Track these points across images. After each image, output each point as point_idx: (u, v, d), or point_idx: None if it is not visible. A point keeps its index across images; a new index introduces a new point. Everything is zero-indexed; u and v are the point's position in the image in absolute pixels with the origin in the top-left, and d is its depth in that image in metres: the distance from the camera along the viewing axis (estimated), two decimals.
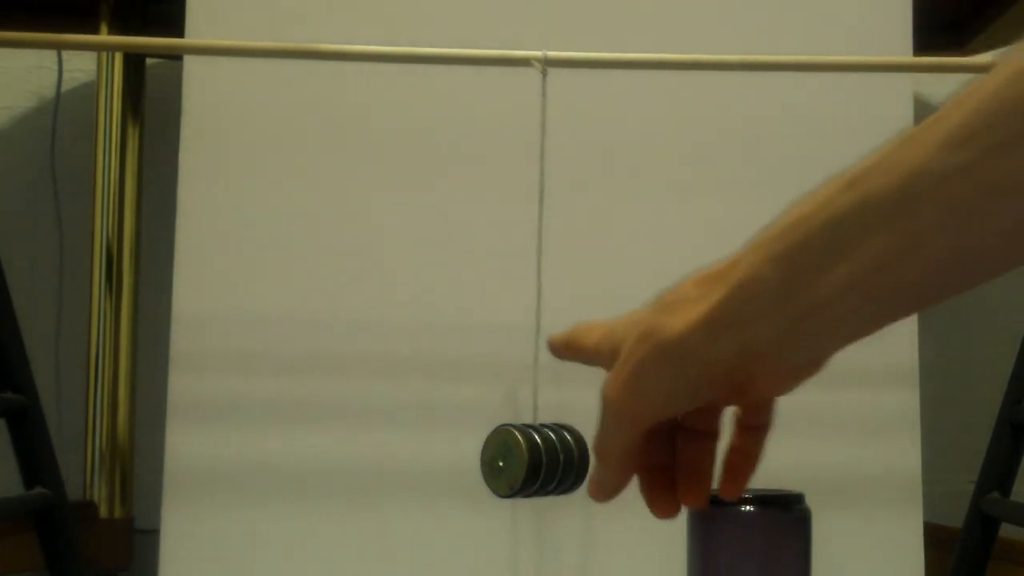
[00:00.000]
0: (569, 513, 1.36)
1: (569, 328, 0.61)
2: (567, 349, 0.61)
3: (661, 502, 0.56)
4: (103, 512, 1.71)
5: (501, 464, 1.03)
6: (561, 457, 1.06)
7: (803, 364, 0.50)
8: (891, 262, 0.43)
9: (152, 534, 1.40)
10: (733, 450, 0.56)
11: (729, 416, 0.56)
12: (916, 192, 0.42)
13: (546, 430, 1.07)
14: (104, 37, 1.77)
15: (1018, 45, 0.41)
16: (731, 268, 0.48)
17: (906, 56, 1.44)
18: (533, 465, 1.03)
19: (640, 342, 0.51)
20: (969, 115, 0.41)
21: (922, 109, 1.59)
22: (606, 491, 0.57)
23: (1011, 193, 0.40)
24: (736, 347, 0.48)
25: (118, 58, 1.77)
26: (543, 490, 1.06)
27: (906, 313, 0.46)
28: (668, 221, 1.43)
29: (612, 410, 0.53)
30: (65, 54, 1.93)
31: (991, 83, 0.40)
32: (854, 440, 1.42)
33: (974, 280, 0.43)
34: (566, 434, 1.08)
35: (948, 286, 0.44)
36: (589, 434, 1.13)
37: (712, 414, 0.56)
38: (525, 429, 1.05)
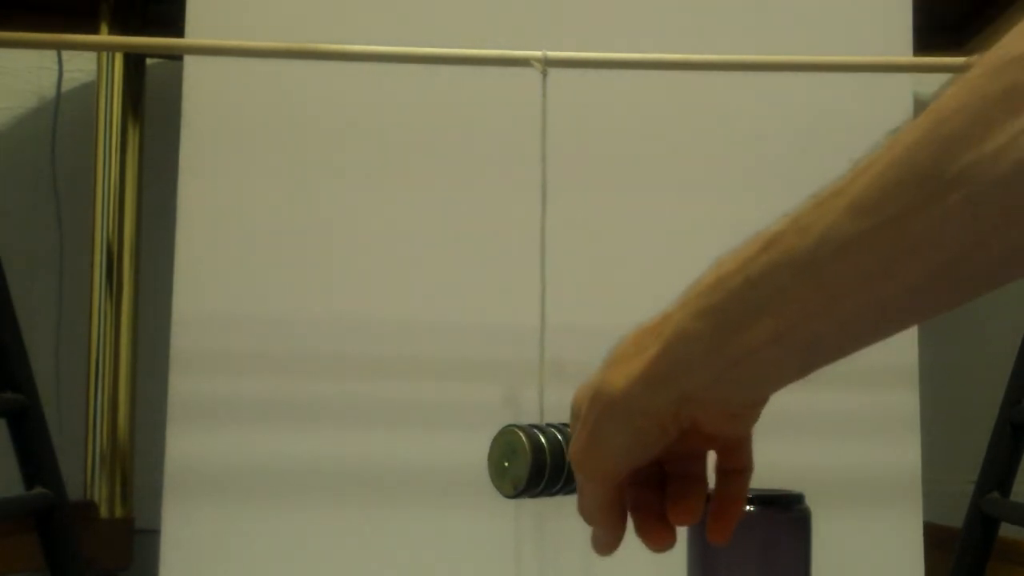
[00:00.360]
0: (571, 513, 1.35)
1: None
2: None
3: (655, 535, 0.58)
4: (103, 512, 1.71)
5: (506, 464, 1.03)
6: (567, 458, 1.06)
7: (742, 406, 0.53)
8: (807, 318, 0.46)
9: (152, 534, 1.40)
10: (717, 496, 0.59)
11: (711, 463, 0.58)
12: (824, 255, 0.44)
13: (552, 430, 1.07)
14: (104, 37, 1.77)
15: (912, 121, 0.43)
16: (664, 323, 0.51)
17: (906, 56, 1.44)
18: (537, 466, 1.03)
19: (592, 403, 0.54)
20: (871, 183, 0.43)
21: (922, 109, 1.59)
22: (603, 548, 0.59)
23: (910, 256, 0.43)
24: (674, 396, 0.51)
25: (118, 58, 1.77)
26: (548, 491, 1.06)
27: (831, 360, 0.48)
28: (669, 220, 1.43)
29: (581, 472, 0.56)
30: (65, 54, 1.93)
31: (891, 152, 0.43)
32: (854, 440, 1.42)
33: (895, 328, 0.46)
34: (571, 434, 1.08)
35: (867, 336, 0.47)
36: None
37: (692, 459, 0.58)
38: (530, 429, 1.05)
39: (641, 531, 0.58)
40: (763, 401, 0.53)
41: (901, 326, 0.46)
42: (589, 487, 0.57)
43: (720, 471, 0.59)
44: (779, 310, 0.46)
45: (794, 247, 0.46)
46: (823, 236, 0.44)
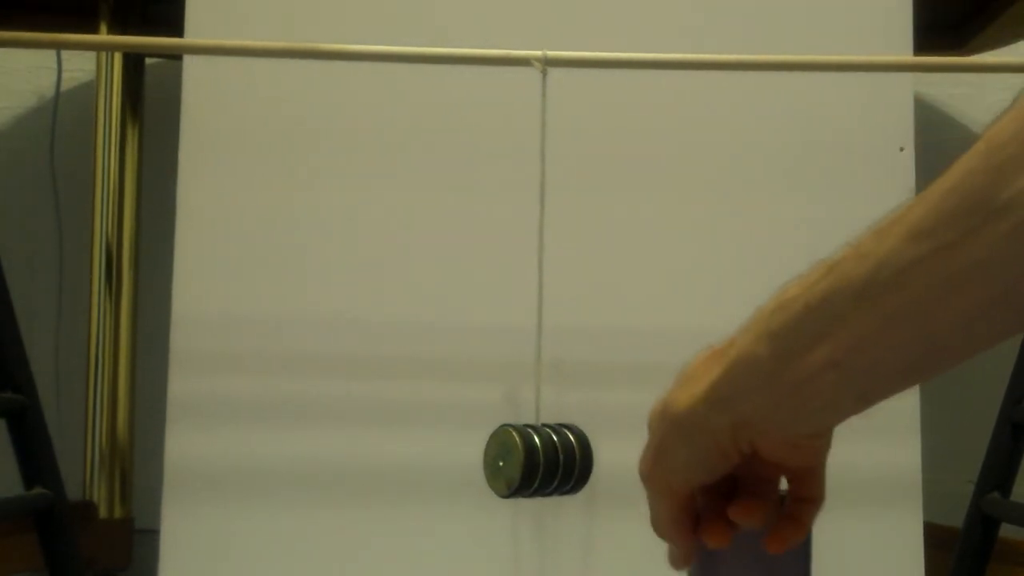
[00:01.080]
0: (570, 513, 1.36)
1: None
2: None
3: (710, 530, 0.59)
4: (103, 512, 1.71)
5: (501, 464, 1.03)
6: (560, 458, 1.06)
7: (802, 436, 0.53)
8: (865, 345, 0.47)
9: (152, 534, 1.40)
10: (784, 517, 0.60)
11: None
12: (881, 281, 0.45)
13: (546, 430, 1.07)
14: (104, 37, 1.77)
15: (969, 149, 0.44)
16: (729, 347, 0.53)
17: (906, 56, 1.44)
18: (530, 466, 1.03)
19: (659, 420, 0.56)
20: (928, 210, 0.44)
21: (922, 109, 1.59)
22: (677, 562, 0.61)
23: (965, 283, 0.43)
24: (734, 418, 0.52)
25: (118, 58, 1.77)
26: (543, 491, 1.06)
27: (889, 392, 0.49)
28: (668, 220, 1.43)
29: (648, 486, 0.58)
30: (65, 54, 1.93)
31: (947, 180, 0.44)
32: (854, 440, 1.42)
33: (949, 361, 0.47)
34: (568, 434, 1.08)
35: (923, 367, 0.47)
36: (591, 433, 1.14)
37: (763, 480, 0.59)
38: (524, 429, 1.05)
39: (700, 530, 0.59)
40: (824, 433, 0.54)
41: (957, 357, 0.46)
42: (656, 501, 0.58)
43: (791, 496, 0.60)
44: (836, 335, 0.47)
45: (852, 273, 0.47)
46: (881, 262, 0.45)
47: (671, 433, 0.55)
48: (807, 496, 0.59)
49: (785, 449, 0.54)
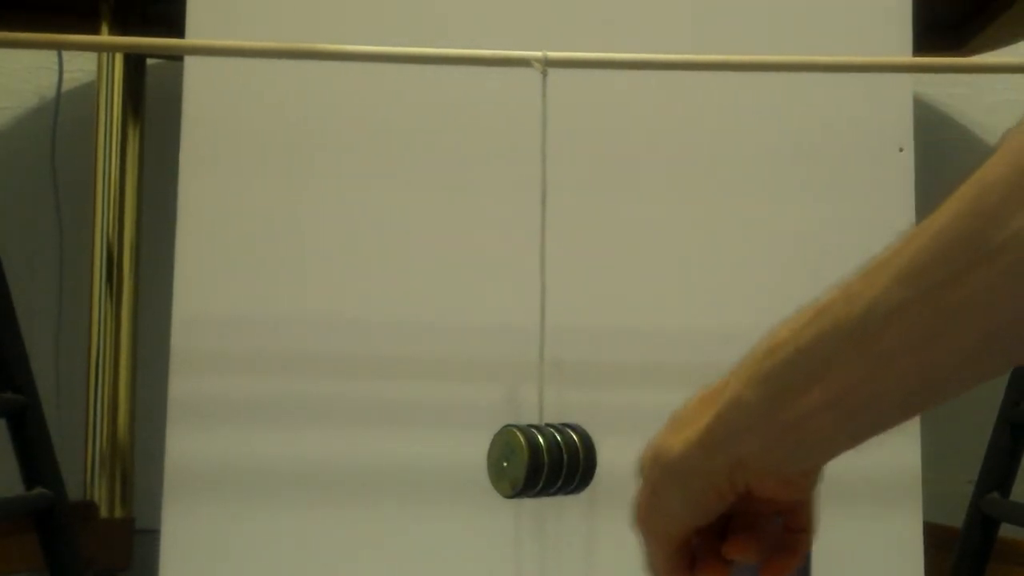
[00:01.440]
0: (572, 513, 1.36)
1: None
2: None
3: (707, 569, 0.59)
4: (103, 512, 1.71)
5: (505, 465, 1.03)
6: (565, 458, 1.06)
7: (796, 474, 0.54)
8: (856, 385, 0.47)
9: (152, 534, 1.40)
10: (779, 548, 0.60)
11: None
12: (871, 323, 0.46)
13: (550, 430, 1.06)
14: (104, 37, 1.77)
15: (957, 192, 0.44)
16: (720, 390, 0.53)
17: (906, 56, 1.44)
18: (534, 466, 1.03)
19: (652, 465, 0.56)
20: (917, 252, 0.45)
21: (921, 109, 1.59)
22: None
23: (956, 323, 0.44)
24: (730, 461, 0.53)
25: (118, 58, 1.77)
26: (547, 491, 1.06)
27: (884, 428, 0.49)
28: (669, 220, 1.43)
29: (642, 531, 0.58)
30: (65, 54, 1.93)
31: (936, 222, 0.44)
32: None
33: (945, 395, 0.47)
34: (572, 434, 1.08)
35: (919, 403, 0.48)
36: (593, 433, 1.14)
37: (756, 515, 0.59)
38: (528, 430, 1.05)
39: (697, 570, 0.59)
40: (817, 469, 0.55)
41: (952, 393, 0.47)
42: (652, 547, 0.58)
43: (785, 528, 0.60)
44: (829, 378, 0.48)
45: (843, 316, 0.47)
46: (871, 305, 0.46)
47: (665, 479, 0.55)
48: (800, 527, 0.59)
49: (779, 486, 0.54)
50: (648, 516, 0.57)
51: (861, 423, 0.49)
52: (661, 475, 0.55)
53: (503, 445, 1.04)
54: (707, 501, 0.55)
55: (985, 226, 0.42)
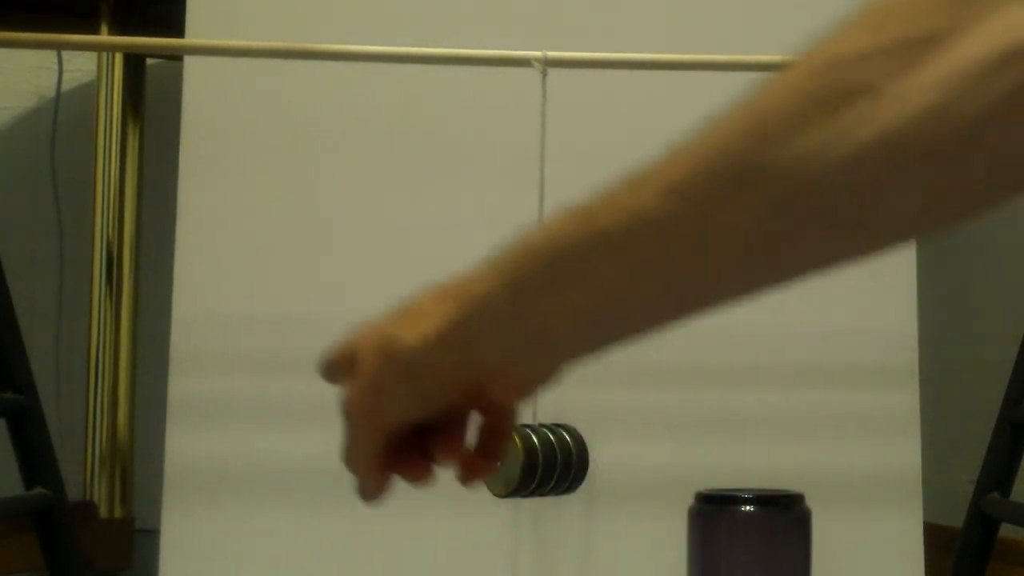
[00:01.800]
0: (569, 513, 1.36)
1: (324, 352, 0.61)
2: (327, 373, 0.61)
3: (415, 470, 0.56)
4: (103, 512, 1.71)
5: (499, 464, 1.03)
6: (559, 458, 1.06)
7: (534, 375, 0.52)
8: (613, 294, 0.46)
9: (152, 534, 1.40)
10: (476, 449, 0.56)
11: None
12: (635, 234, 0.45)
13: (544, 430, 1.07)
14: (104, 37, 1.77)
15: (729, 111, 0.44)
16: (465, 287, 0.51)
17: None
18: (529, 466, 1.03)
19: (376, 354, 0.53)
20: (685, 169, 0.44)
21: None
22: (369, 496, 0.57)
23: (718, 244, 0.44)
24: (465, 360, 0.50)
25: (118, 58, 1.77)
26: (540, 491, 1.06)
27: (628, 339, 0.49)
28: None
29: (354, 421, 0.55)
30: (65, 54, 1.93)
31: (707, 141, 0.44)
32: (854, 440, 1.42)
33: (694, 312, 0.47)
34: (565, 434, 1.08)
35: (665, 317, 0.47)
36: (588, 434, 1.14)
37: (459, 416, 0.56)
38: (522, 430, 1.05)
39: (400, 468, 0.56)
40: (556, 371, 0.52)
41: (700, 310, 0.47)
42: (360, 437, 0.55)
43: (484, 430, 0.57)
44: (583, 283, 0.47)
45: (603, 223, 0.46)
46: (635, 216, 0.45)
47: (392, 370, 0.52)
48: (500, 432, 0.56)
49: (511, 387, 0.52)
50: (363, 407, 0.54)
51: (608, 331, 0.49)
52: (386, 366, 0.52)
53: None
54: (432, 397, 0.52)
55: (755, 152, 0.42)
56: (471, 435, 0.56)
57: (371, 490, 0.57)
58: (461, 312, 0.50)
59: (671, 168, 0.45)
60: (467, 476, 0.56)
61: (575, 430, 1.09)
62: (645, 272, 0.45)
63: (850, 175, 0.40)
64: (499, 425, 0.56)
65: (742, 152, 0.42)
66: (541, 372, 0.52)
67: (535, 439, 1.04)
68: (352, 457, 0.56)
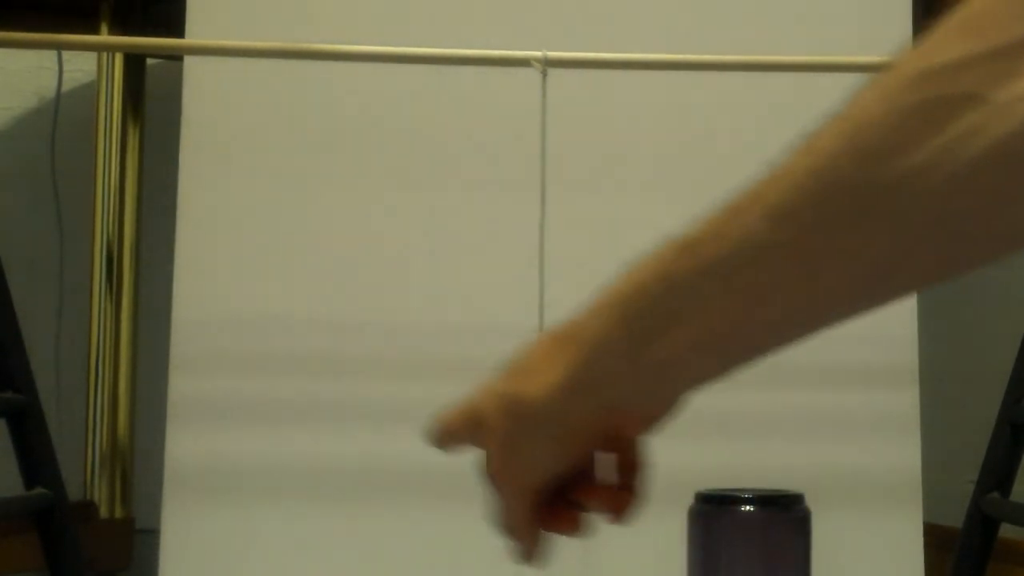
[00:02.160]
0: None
1: (438, 419, 0.60)
2: (444, 440, 0.60)
3: (566, 523, 0.57)
4: (103, 512, 1.71)
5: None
6: None
7: (659, 409, 0.52)
8: (725, 324, 0.46)
9: (152, 534, 1.40)
10: (620, 488, 0.56)
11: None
12: (741, 263, 0.44)
13: None
14: (104, 37, 1.77)
15: (829, 128, 0.43)
16: (579, 331, 0.51)
17: None
18: None
19: (503, 416, 0.52)
20: (789, 192, 0.43)
21: None
22: (529, 558, 0.58)
23: (830, 266, 0.43)
24: (594, 405, 0.50)
25: (118, 58, 1.77)
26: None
27: (754, 360, 0.48)
28: (668, 220, 1.42)
29: (501, 488, 0.54)
30: (65, 54, 1.93)
31: (808, 160, 0.43)
32: (854, 440, 1.42)
33: (813, 333, 0.46)
34: None
35: (787, 338, 0.47)
36: None
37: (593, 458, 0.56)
38: None
39: (550, 524, 0.57)
40: (677, 402, 0.52)
41: (821, 328, 0.46)
42: (511, 502, 0.55)
43: (621, 467, 0.57)
44: (698, 317, 0.47)
45: (710, 254, 0.46)
46: (740, 243, 0.45)
47: (523, 429, 0.52)
48: (636, 463, 0.56)
49: (639, 423, 0.52)
50: (505, 470, 0.53)
51: (730, 358, 0.48)
52: (517, 426, 0.52)
53: None
54: (575, 447, 0.52)
55: (862, 170, 0.41)
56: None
57: (530, 551, 0.57)
58: (580, 358, 0.50)
59: (772, 192, 0.44)
60: (617, 515, 0.56)
61: None
62: (756, 300, 0.45)
63: (968, 186, 0.39)
64: (631, 459, 0.56)
65: (847, 171, 0.42)
66: (665, 404, 0.52)
67: None
68: (506, 522, 0.56)
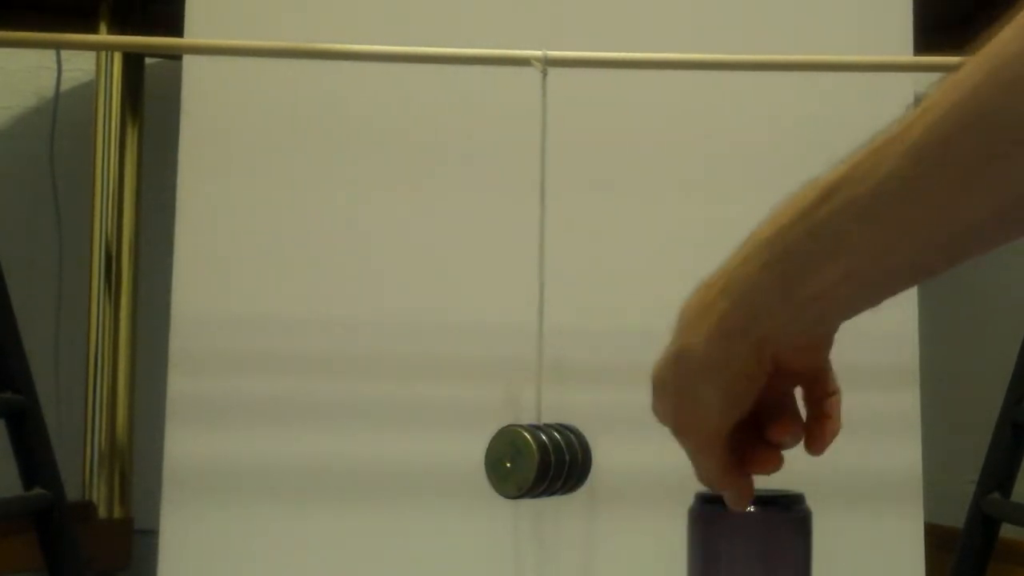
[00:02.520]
0: (570, 513, 1.35)
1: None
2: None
3: (762, 461, 0.59)
4: (102, 512, 1.71)
5: (508, 465, 1.03)
6: (567, 457, 1.06)
7: (819, 337, 0.55)
8: (874, 258, 0.48)
9: (151, 534, 1.40)
10: (813, 417, 0.60)
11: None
12: (886, 200, 0.46)
13: (551, 430, 1.06)
14: (104, 37, 1.77)
15: (967, 67, 0.44)
16: (726, 279, 0.53)
17: (906, 56, 1.44)
18: (544, 466, 1.03)
19: (675, 370, 0.55)
20: (931, 128, 0.44)
21: None
22: (741, 502, 0.60)
23: (976, 197, 0.44)
24: (753, 341, 0.52)
25: (117, 58, 1.77)
26: (550, 491, 1.06)
27: (901, 290, 0.50)
28: (669, 220, 1.43)
29: (687, 442, 0.57)
30: (64, 54, 1.93)
31: (950, 96, 0.44)
32: (854, 440, 1.41)
33: (962, 260, 0.47)
34: (570, 434, 1.08)
35: (938, 265, 0.48)
36: (591, 433, 1.14)
37: (781, 397, 0.58)
38: (533, 430, 1.04)
39: (751, 465, 0.59)
40: (835, 329, 0.54)
41: (970, 255, 0.47)
42: (704, 453, 0.57)
43: (810, 401, 0.60)
44: (843, 253, 0.48)
45: (854, 194, 0.47)
46: (884, 181, 0.46)
47: (694, 378, 0.54)
48: (828, 392, 0.60)
49: (804, 353, 0.55)
50: (687, 423, 0.56)
51: (878, 289, 0.50)
52: (688, 376, 0.54)
53: (507, 445, 1.03)
54: (742, 388, 0.54)
55: (1006, 101, 0.42)
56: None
57: (740, 495, 0.59)
58: (732, 302, 0.52)
59: (913, 129, 0.45)
60: (818, 446, 0.60)
61: (578, 430, 1.09)
62: (903, 233, 0.46)
63: None
64: (817, 388, 0.59)
65: (991, 103, 0.43)
66: (820, 334, 0.54)
67: (546, 439, 1.04)
68: (707, 475, 0.58)
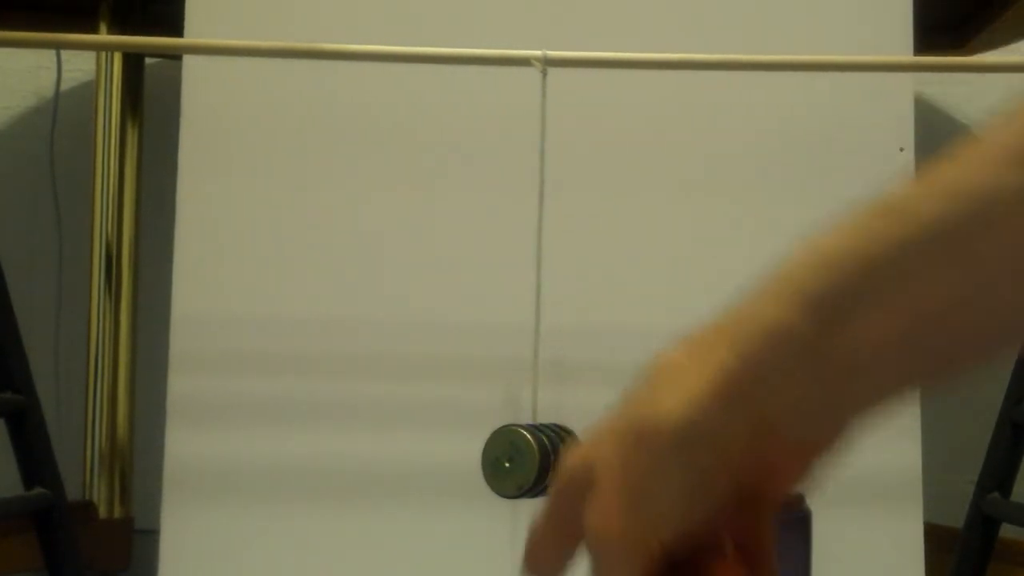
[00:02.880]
0: None
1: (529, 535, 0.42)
2: (566, 500, 0.41)
3: None
4: (103, 512, 1.71)
5: (507, 465, 1.03)
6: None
7: (817, 440, 0.41)
8: (949, 306, 0.35)
9: (152, 534, 1.40)
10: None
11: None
12: (979, 220, 0.33)
13: (548, 430, 1.07)
14: (104, 37, 1.77)
15: None
16: (740, 323, 0.38)
17: (906, 56, 1.44)
18: (544, 466, 1.03)
19: (627, 449, 0.38)
20: None
21: (922, 109, 1.59)
22: None
23: None
24: (754, 419, 0.37)
25: (117, 58, 1.76)
26: (546, 491, 1.06)
27: (951, 376, 0.38)
28: (668, 220, 1.43)
29: (613, 549, 0.38)
30: (64, 54, 1.93)
31: None
32: (854, 440, 1.42)
33: None
34: (566, 435, 1.08)
35: (1016, 339, 0.36)
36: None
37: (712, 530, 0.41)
38: (533, 430, 1.04)
39: None
40: (839, 434, 0.41)
41: None
42: (623, 566, 0.38)
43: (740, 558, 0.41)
44: (903, 297, 0.35)
45: (926, 213, 0.34)
46: (974, 197, 0.33)
47: (660, 460, 0.37)
48: (763, 536, 0.42)
49: (791, 461, 0.41)
50: (623, 522, 0.37)
51: (936, 361, 0.37)
52: (646, 456, 0.37)
53: (506, 445, 1.03)
54: (716, 484, 0.37)
55: None
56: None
57: None
58: (743, 352, 0.37)
59: (1007, 133, 0.33)
60: None
61: (571, 430, 1.09)
62: (992, 274, 0.34)
63: None
64: (760, 529, 0.41)
65: None
66: (833, 427, 0.40)
67: (545, 439, 1.04)
68: None
